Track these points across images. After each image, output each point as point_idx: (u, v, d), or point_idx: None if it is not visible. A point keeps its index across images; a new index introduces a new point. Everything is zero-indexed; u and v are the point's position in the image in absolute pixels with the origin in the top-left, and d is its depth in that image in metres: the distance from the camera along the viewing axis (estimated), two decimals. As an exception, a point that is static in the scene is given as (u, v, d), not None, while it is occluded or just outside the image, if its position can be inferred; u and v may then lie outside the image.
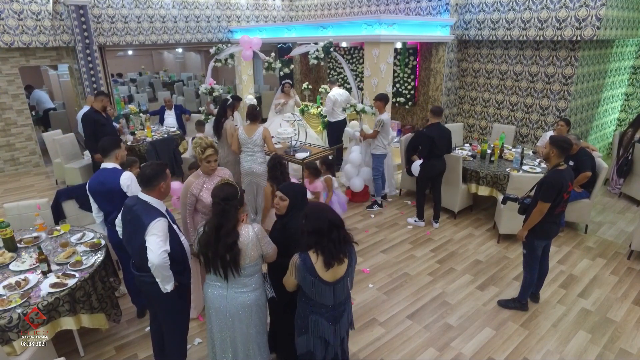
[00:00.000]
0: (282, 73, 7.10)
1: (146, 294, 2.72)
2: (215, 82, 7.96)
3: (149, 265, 2.40)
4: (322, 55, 6.35)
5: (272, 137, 6.67)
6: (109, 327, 3.38)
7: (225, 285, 2.45)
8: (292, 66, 7.07)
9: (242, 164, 4.96)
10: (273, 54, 7.19)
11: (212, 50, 7.76)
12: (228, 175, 3.44)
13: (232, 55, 7.69)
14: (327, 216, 2.23)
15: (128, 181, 3.25)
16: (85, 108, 6.28)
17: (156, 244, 2.38)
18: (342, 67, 10.61)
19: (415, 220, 5.57)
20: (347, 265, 2.33)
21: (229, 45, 8.31)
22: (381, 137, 5.55)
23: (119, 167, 3.40)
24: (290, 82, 7.62)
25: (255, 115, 4.92)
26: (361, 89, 9.74)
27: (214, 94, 7.48)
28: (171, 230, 2.55)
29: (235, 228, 2.35)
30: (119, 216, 2.77)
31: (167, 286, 2.51)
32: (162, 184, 2.60)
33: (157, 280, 2.49)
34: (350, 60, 10.14)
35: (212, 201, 2.39)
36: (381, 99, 5.42)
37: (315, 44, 6.45)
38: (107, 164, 3.37)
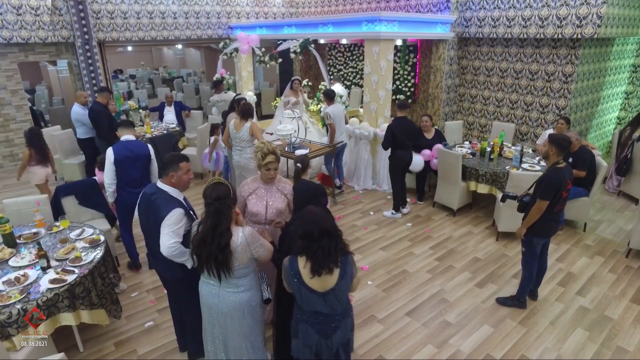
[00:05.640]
0: (268, 66, 7.56)
1: (161, 276, 3.00)
2: (227, 72, 8.93)
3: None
4: (299, 50, 6.80)
5: (272, 133, 6.68)
6: (108, 323, 3.38)
7: (218, 285, 2.46)
8: (280, 60, 7.65)
9: (233, 158, 5.15)
10: (263, 49, 7.84)
11: (220, 45, 8.74)
12: (288, 190, 3.10)
13: (237, 50, 8.42)
14: (320, 222, 2.13)
15: (152, 150, 4.10)
16: (76, 105, 6.15)
17: (167, 237, 2.50)
18: (342, 65, 10.59)
19: (392, 213, 5.66)
20: (338, 277, 2.18)
21: (230, 41, 8.48)
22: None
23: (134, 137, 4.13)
24: (300, 79, 7.60)
25: (245, 113, 4.92)
26: (361, 86, 9.73)
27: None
28: (189, 217, 2.67)
29: (229, 228, 2.34)
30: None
31: (188, 265, 2.66)
32: (171, 174, 2.69)
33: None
34: (351, 57, 10.12)
35: (204, 202, 2.37)
36: (325, 94, 6.17)
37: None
38: (127, 136, 4.05)
